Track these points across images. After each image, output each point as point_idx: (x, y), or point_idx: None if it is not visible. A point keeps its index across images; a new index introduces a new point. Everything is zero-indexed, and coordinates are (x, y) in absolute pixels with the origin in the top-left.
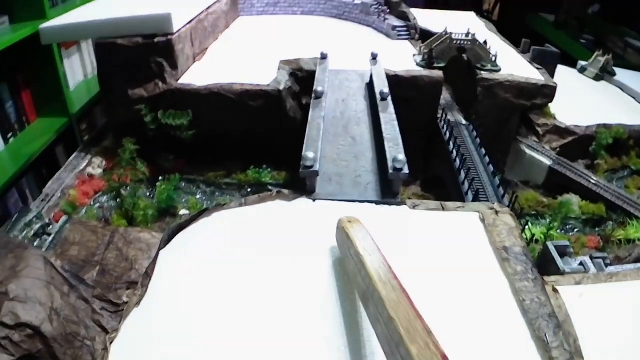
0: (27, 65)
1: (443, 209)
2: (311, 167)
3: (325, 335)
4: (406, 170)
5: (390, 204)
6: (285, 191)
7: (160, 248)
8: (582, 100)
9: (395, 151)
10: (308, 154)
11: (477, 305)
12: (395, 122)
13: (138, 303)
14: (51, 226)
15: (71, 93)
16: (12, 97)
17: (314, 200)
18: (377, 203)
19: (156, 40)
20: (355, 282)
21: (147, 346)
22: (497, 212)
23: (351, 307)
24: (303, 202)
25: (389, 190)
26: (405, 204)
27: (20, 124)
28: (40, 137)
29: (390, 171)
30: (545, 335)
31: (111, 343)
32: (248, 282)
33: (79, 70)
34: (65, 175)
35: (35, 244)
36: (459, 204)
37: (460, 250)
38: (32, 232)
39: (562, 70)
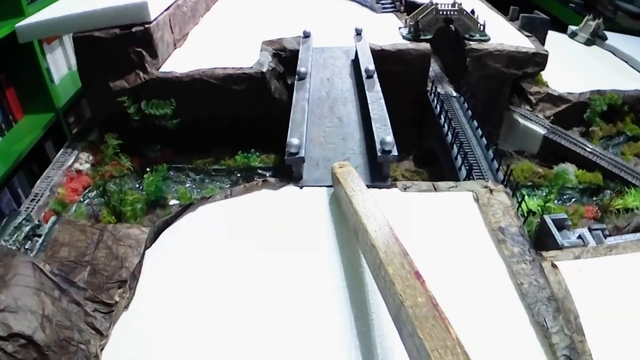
0: (9, 63)
1: (435, 189)
2: (296, 153)
3: (333, 327)
4: (395, 152)
5: (380, 187)
6: (272, 179)
7: (146, 247)
8: (574, 66)
9: (383, 132)
10: (292, 140)
11: (473, 290)
12: (382, 101)
13: (126, 306)
14: (41, 227)
15: (56, 87)
16: None
17: (301, 187)
18: (367, 187)
19: (134, 29)
20: (348, 220)
21: (138, 351)
22: (491, 191)
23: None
24: (290, 189)
25: (378, 173)
26: (396, 187)
27: (7, 122)
28: (28, 134)
29: (379, 154)
30: (545, 320)
31: (102, 350)
32: (237, 277)
33: (62, 63)
34: (53, 172)
35: (27, 246)
36: (451, 183)
37: (455, 233)
38: (23, 235)
39: (552, 36)
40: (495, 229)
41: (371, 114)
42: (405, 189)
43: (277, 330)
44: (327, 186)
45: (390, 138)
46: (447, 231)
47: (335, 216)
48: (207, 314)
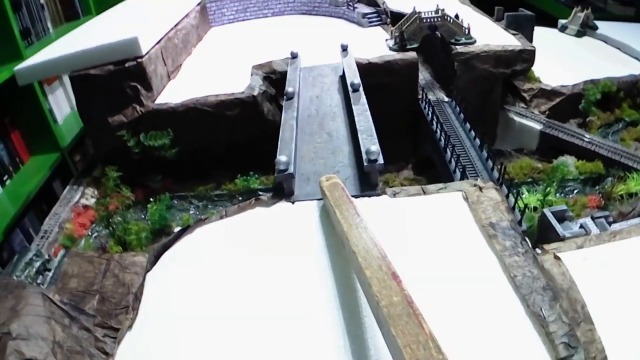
0: (12, 106)
1: (424, 192)
2: (285, 170)
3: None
4: (380, 160)
5: (370, 196)
6: (264, 197)
7: (147, 270)
8: (566, 59)
9: (369, 142)
10: (281, 157)
11: (466, 286)
12: (368, 112)
13: (130, 327)
14: (51, 261)
15: (60, 127)
16: (1, 140)
17: (293, 203)
18: (356, 197)
19: (127, 65)
20: (336, 229)
21: None
22: (480, 189)
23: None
24: (282, 205)
25: (367, 182)
26: (386, 194)
27: (14, 164)
28: (35, 175)
29: (365, 163)
30: (541, 309)
31: None
32: (235, 292)
33: (64, 103)
34: (61, 209)
35: (38, 280)
36: (440, 185)
37: (445, 233)
38: (34, 270)
39: (542, 32)
40: (486, 225)
41: (357, 126)
42: (394, 195)
43: (276, 342)
44: (318, 199)
45: (375, 147)
46: (437, 232)
47: (326, 227)
48: (207, 330)
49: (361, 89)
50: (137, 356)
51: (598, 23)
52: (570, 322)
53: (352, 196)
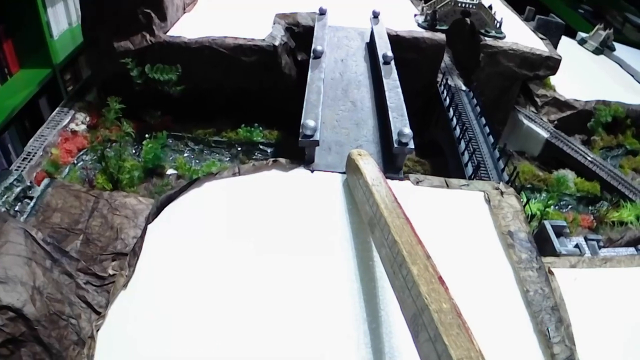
0: (8, 14)
1: (447, 186)
2: (311, 136)
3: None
4: (412, 145)
5: (392, 179)
6: (283, 160)
7: (148, 222)
8: (582, 73)
9: (400, 123)
10: (308, 122)
11: (481, 293)
12: (399, 89)
13: (125, 285)
14: (33, 189)
15: (55, 42)
16: None
17: (312, 171)
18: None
19: None
20: (363, 210)
21: (135, 334)
22: (502, 193)
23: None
24: (301, 172)
25: (392, 164)
26: (409, 179)
27: (2, 75)
28: (22, 89)
29: (395, 145)
30: (548, 330)
31: (97, 330)
32: (244, 260)
33: (63, 18)
34: (48, 131)
35: (17, 208)
36: (463, 181)
37: (465, 232)
38: (13, 196)
39: (562, 40)
40: (505, 233)
41: (388, 102)
42: (417, 182)
43: (284, 322)
44: (340, 172)
45: (408, 130)
46: (457, 230)
47: (348, 205)
48: (210, 297)
49: (393, 62)
50: (131, 321)
51: (615, 45)
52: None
53: None
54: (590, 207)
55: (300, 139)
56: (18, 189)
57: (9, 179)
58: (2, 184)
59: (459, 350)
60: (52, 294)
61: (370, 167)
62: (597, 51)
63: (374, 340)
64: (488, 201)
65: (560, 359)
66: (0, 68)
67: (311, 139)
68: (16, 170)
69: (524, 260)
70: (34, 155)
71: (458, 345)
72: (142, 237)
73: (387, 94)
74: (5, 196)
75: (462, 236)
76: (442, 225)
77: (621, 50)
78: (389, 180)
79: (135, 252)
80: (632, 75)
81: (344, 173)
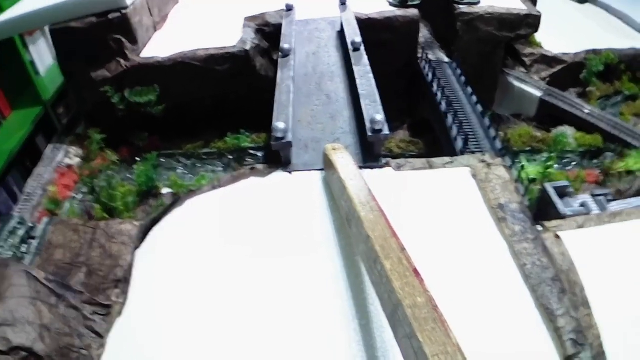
0: None
1: (430, 166)
2: (283, 138)
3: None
4: (386, 130)
5: (372, 167)
6: (260, 166)
7: (136, 247)
8: (568, 25)
9: (373, 109)
10: (278, 124)
11: (475, 273)
12: (371, 75)
13: (120, 312)
14: (35, 229)
15: (42, 79)
16: None
17: (290, 173)
18: (359, 168)
19: (110, 16)
20: (340, 205)
21: (134, 358)
22: (489, 165)
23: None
24: (279, 176)
25: (370, 152)
26: (390, 166)
27: None
28: (17, 130)
29: (369, 133)
30: (550, 302)
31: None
32: (231, 273)
33: (46, 54)
34: (44, 170)
35: (22, 249)
36: (447, 159)
37: (453, 212)
38: (18, 239)
39: None
40: (495, 207)
41: (359, 90)
42: (399, 167)
43: (275, 326)
44: (318, 169)
45: (380, 116)
46: (444, 211)
47: (328, 202)
48: (202, 315)
49: (362, 48)
50: (130, 346)
51: None
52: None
53: None
54: (594, 161)
55: (272, 143)
56: (21, 232)
57: (12, 223)
58: (6, 228)
59: (434, 346)
60: (61, 329)
61: (344, 161)
62: (581, 0)
63: (365, 337)
64: (474, 176)
65: (565, 332)
66: None
67: (283, 141)
68: (19, 212)
69: (518, 233)
70: (34, 195)
71: (433, 340)
72: (130, 264)
73: (358, 81)
74: (10, 240)
75: (449, 216)
76: (427, 208)
77: None
78: (368, 170)
79: (126, 279)
80: (621, 19)
81: (322, 170)
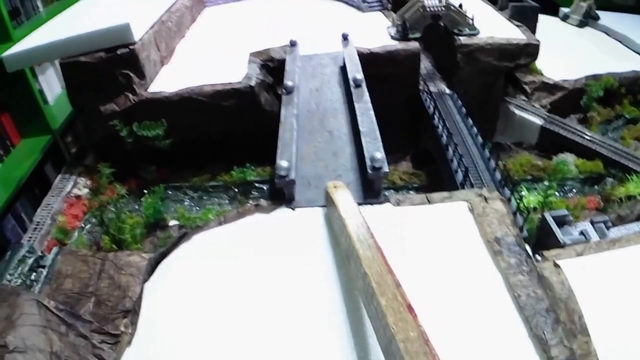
0: (0, 89)
1: (429, 202)
2: (286, 176)
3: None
4: (385, 168)
5: (372, 204)
6: (264, 203)
7: (145, 280)
8: (568, 50)
9: (373, 147)
10: (282, 162)
11: (470, 304)
12: (371, 112)
13: (129, 342)
14: (44, 258)
15: (51, 108)
16: None
17: (293, 209)
18: (359, 204)
19: (119, 52)
20: (340, 242)
21: None
22: (486, 199)
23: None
24: (283, 212)
25: (370, 189)
26: (389, 202)
27: (5, 148)
28: (26, 159)
29: (369, 171)
30: (544, 332)
31: None
32: (237, 306)
33: (55, 83)
34: (53, 200)
35: (32, 277)
36: (445, 194)
37: (450, 246)
38: (27, 267)
39: (544, 20)
40: (491, 240)
41: (360, 128)
42: (398, 203)
43: (278, 358)
44: (320, 206)
45: (380, 154)
46: (442, 245)
47: (330, 238)
48: (208, 348)
49: (364, 84)
50: None
51: (599, 13)
52: (567, 333)
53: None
54: (595, 187)
55: (276, 180)
56: (31, 260)
57: (21, 252)
58: (15, 257)
59: None
60: (70, 357)
61: (344, 199)
62: (581, 24)
63: None
64: (472, 210)
65: None
66: (1, 141)
67: (286, 179)
68: (28, 241)
69: (513, 265)
70: (43, 225)
71: None
72: (139, 296)
73: (359, 118)
74: (20, 268)
75: (446, 251)
76: (425, 242)
77: (606, 17)
78: (368, 206)
79: (136, 311)
80: (620, 41)
81: (324, 206)
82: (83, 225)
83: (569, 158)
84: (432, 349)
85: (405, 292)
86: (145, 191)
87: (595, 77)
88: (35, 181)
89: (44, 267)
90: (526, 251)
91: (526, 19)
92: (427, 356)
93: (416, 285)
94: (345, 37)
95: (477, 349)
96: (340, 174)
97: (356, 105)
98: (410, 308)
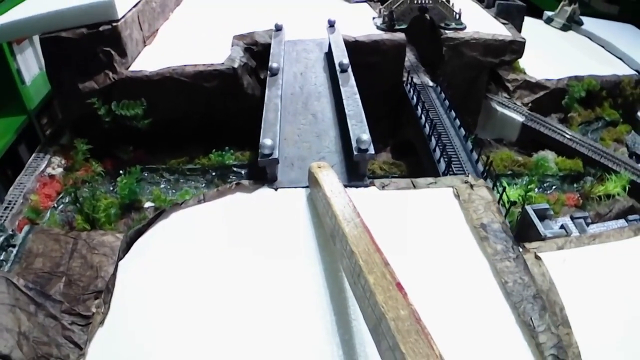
0: None
1: (414, 186)
2: (270, 154)
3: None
4: (372, 150)
5: (357, 186)
6: (245, 182)
7: (120, 258)
8: (551, 52)
9: (359, 130)
10: (265, 141)
11: (456, 291)
12: (357, 96)
13: (102, 322)
14: (15, 237)
15: (27, 88)
16: None
17: (275, 189)
18: (344, 187)
19: (101, 29)
20: (324, 222)
21: None
22: (472, 186)
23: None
24: (264, 192)
25: (355, 171)
26: (374, 185)
27: None
28: (0, 139)
29: (355, 152)
30: (531, 319)
31: None
32: (214, 286)
33: (33, 63)
34: (26, 179)
35: (1, 257)
36: (430, 179)
37: (436, 232)
38: None
39: (528, 22)
40: (477, 226)
41: (346, 111)
42: (383, 187)
43: (258, 340)
44: (303, 187)
45: (366, 136)
46: (427, 230)
47: (313, 218)
48: (184, 325)
49: (350, 69)
50: (111, 355)
51: (583, 19)
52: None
53: None
54: (574, 185)
55: (259, 159)
56: (1, 239)
57: None
58: None
59: (417, 357)
60: (39, 338)
61: (329, 179)
62: (564, 28)
63: (348, 352)
64: (457, 196)
65: (546, 347)
66: None
67: (270, 158)
68: None
69: (500, 252)
70: (15, 203)
71: (416, 352)
72: (114, 274)
73: (345, 102)
74: None
75: (432, 235)
76: (412, 226)
77: (589, 23)
78: (353, 189)
79: (109, 289)
80: (603, 47)
81: (308, 187)
82: (56, 205)
83: (549, 155)
84: (424, 328)
85: (394, 270)
86: (121, 172)
87: (578, 79)
88: (8, 162)
89: (14, 246)
90: (512, 238)
91: (512, 17)
92: (419, 334)
93: (402, 268)
94: (331, 24)
95: (464, 334)
96: (324, 156)
97: (342, 89)
98: (399, 286)
